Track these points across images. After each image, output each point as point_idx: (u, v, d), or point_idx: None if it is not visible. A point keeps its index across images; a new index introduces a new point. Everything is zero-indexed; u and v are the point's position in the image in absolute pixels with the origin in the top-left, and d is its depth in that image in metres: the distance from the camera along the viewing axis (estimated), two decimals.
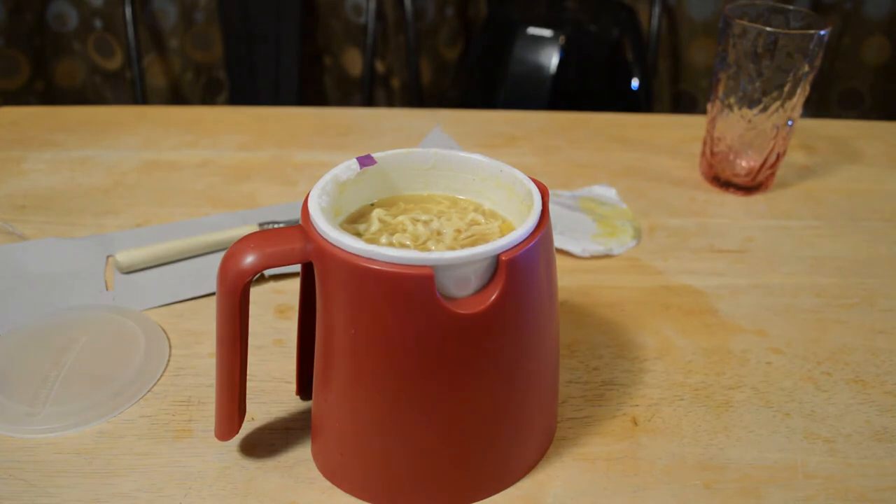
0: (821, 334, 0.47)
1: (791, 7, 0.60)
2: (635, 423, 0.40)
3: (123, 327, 0.46)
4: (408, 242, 0.34)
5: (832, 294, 0.51)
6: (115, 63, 1.52)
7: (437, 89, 1.60)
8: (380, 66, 1.58)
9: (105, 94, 1.55)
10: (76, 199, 0.61)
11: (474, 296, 0.31)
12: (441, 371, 0.32)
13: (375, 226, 0.36)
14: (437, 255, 0.29)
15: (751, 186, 0.64)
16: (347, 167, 0.36)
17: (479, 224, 0.36)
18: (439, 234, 0.35)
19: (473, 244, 0.31)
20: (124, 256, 0.51)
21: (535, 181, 0.35)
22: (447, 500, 0.35)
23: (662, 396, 0.42)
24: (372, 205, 0.38)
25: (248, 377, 0.42)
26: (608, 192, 0.63)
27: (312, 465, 0.37)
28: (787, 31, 0.57)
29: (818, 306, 0.50)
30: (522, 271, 0.31)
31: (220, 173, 0.65)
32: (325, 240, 0.31)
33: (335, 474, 0.36)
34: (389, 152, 0.37)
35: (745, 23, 0.58)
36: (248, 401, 0.41)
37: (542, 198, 0.34)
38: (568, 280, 0.52)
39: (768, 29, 0.56)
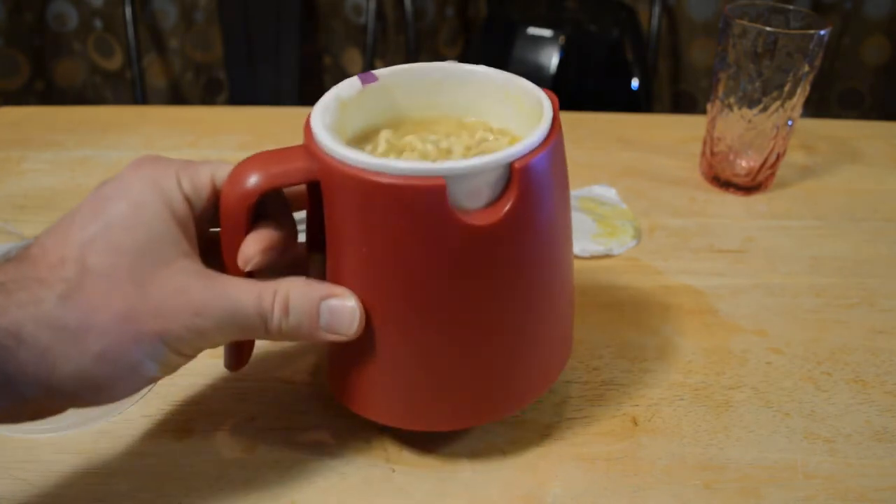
0: (821, 334, 0.47)
1: (791, 7, 0.60)
2: (635, 423, 0.40)
3: None
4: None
5: (832, 294, 0.51)
6: (115, 63, 1.53)
7: None
8: (380, 66, 1.58)
9: (105, 94, 1.56)
10: (76, 199, 0.60)
11: (488, 208, 0.30)
12: (457, 285, 0.31)
13: (382, 147, 0.34)
14: (448, 164, 0.29)
15: (751, 186, 0.64)
16: (350, 85, 0.35)
17: (487, 141, 0.35)
18: (449, 151, 0.34)
19: None
20: None
21: (545, 91, 0.34)
22: (469, 416, 0.35)
23: (662, 396, 0.42)
24: (376, 126, 0.36)
25: (249, 378, 0.42)
26: (608, 192, 0.63)
27: (313, 465, 0.37)
28: (787, 31, 0.57)
29: (818, 306, 0.50)
30: (536, 180, 0.31)
31: None
32: (332, 157, 0.30)
33: (353, 398, 0.35)
34: (392, 69, 0.36)
35: (745, 23, 0.58)
36: (249, 401, 0.41)
37: (553, 105, 0.33)
38: None
39: (768, 29, 0.56)
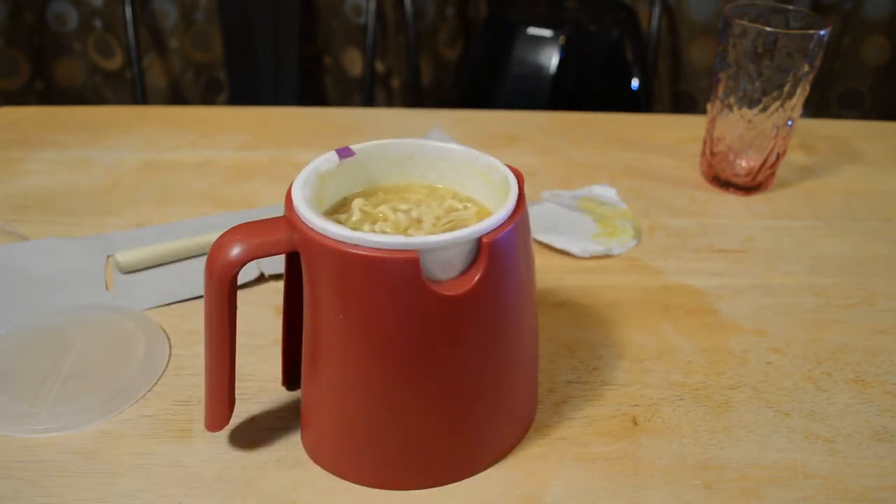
0: (821, 334, 0.47)
1: (791, 7, 0.60)
2: (635, 423, 0.40)
3: (123, 327, 0.46)
4: (389, 230, 0.35)
5: (832, 294, 0.51)
6: (115, 63, 1.52)
7: (437, 89, 1.60)
8: (380, 66, 1.58)
9: (105, 94, 1.55)
10: (76, 199, 0.61)
11: (458, 278, 0.32)
12: (428, 351, 0.33)
13: (357, 216, 0.36)
14: (421, 239, 0.30)
15: (751, 186, 0.64)
16: (327, 159, 0.36)
17: (456, 210, 0.37)
18: (419, 221, 0.36)
19: (452, 230, 0.32)
20: (124, 256, 0.51)
21: (510, 167, 0.36)
22: (436, 478, 0.36)
23: (662, 396, 0.42)
24: (352, 196, 0.38)
25: (248, 378, 0.42)
26: (608, 192, 0.63)
27: (313, 465, 0.37)
28: (787, 31, 0.57)
29: (818, 306, 0.50)
30: (503, 253, 0.32)
31: (220, 173, 0.65)
32: (311, 228, 0.31)
33: (326, 459, 0.37)
34: (368, 144, 0.38)
35: (745, 23, 0.58)
36: (249, 401, 0.41)
37: (518, 183, 0.34)
38: (568, 280, 0.52)
39: (768, 29, 0.56)
